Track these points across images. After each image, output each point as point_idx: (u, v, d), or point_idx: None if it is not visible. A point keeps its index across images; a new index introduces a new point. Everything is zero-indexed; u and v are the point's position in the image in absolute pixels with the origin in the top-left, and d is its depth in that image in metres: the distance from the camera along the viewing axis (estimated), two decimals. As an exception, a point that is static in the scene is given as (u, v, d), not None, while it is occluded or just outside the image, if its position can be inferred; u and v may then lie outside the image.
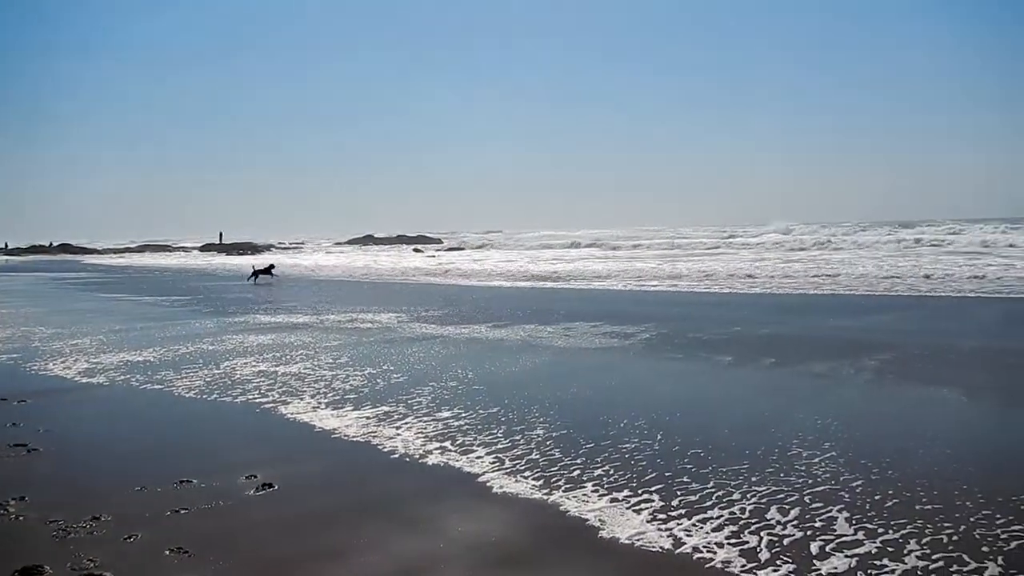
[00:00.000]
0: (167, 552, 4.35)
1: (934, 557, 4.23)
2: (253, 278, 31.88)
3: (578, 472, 5.84)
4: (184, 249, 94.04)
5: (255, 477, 5.70)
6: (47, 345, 13.19)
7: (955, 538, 4.46)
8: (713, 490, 5.40)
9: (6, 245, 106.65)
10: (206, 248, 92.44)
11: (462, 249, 64.89)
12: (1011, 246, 36.72)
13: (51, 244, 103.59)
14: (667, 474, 5.76)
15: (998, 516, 4.77)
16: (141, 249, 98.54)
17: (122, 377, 10.09)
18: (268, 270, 33.08)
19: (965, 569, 4.10)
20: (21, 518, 4.95)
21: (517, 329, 14.29)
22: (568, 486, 5.52)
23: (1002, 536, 4.47)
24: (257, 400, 8.51)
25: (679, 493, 5.34)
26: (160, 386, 9.46)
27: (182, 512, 5.02)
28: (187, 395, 8.94)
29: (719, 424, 7.25)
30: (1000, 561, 4.16)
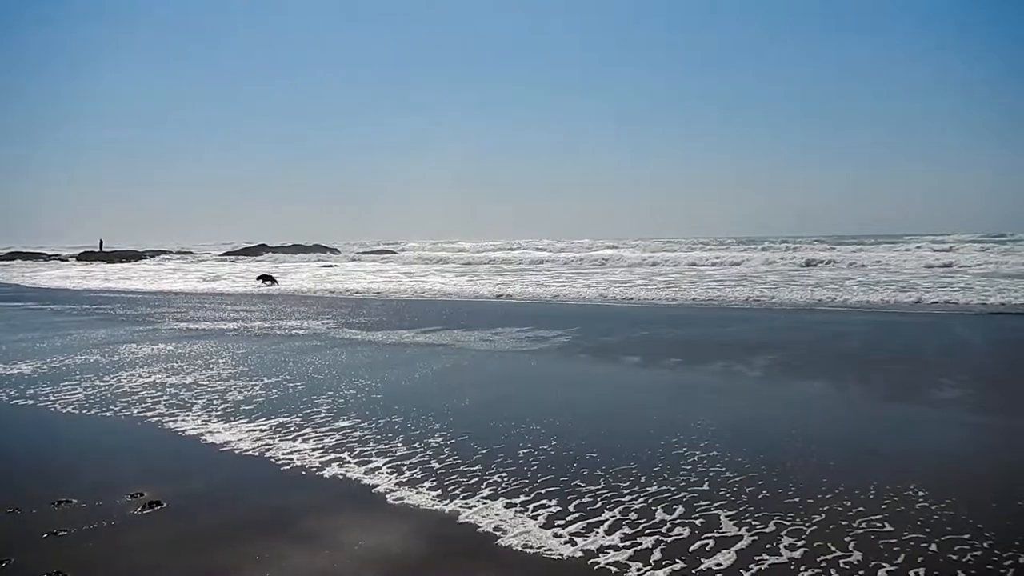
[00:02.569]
0: (44, 576, 4.11)
1: (801, 547, 4.52)
2: None
3: (476, 480, 5.88)
4: (60, 257, 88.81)
5: (142, 495, 5.45)
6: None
7: (824, 529, 4.79)
8: (606, 492, 5.56)
9: None
10: (84, 256, 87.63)
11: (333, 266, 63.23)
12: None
13: None
14: (563, 478, 5.90)
15: (859, 507, 5.18)
16: (11, 257, 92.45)
17: (-9, 392, 9.44)
18: None
19: (829, 557, 4.41)
20: None
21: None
22: (466, 494, 5.55)
23: (860, 526, 4.83)
24: (143, 414, 8.15)
25: (574, 497, 5.47)
26: (34, 401, 8.91)
27: (60, 534, 4.75)
28: (66, 410, 8.46)
29: (611, 425, 7.49)
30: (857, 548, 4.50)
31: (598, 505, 5.32)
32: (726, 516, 5.10)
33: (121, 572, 4.23)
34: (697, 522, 5.00)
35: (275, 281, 33.04)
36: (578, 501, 5.39)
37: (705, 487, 5.68)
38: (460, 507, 5.28)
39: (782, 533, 4.79)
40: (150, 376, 10.43)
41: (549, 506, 5.29)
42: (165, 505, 5.30)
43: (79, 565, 4.27)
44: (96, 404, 8.69)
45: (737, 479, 5.85)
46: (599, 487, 5.69)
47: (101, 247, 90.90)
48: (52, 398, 9.06)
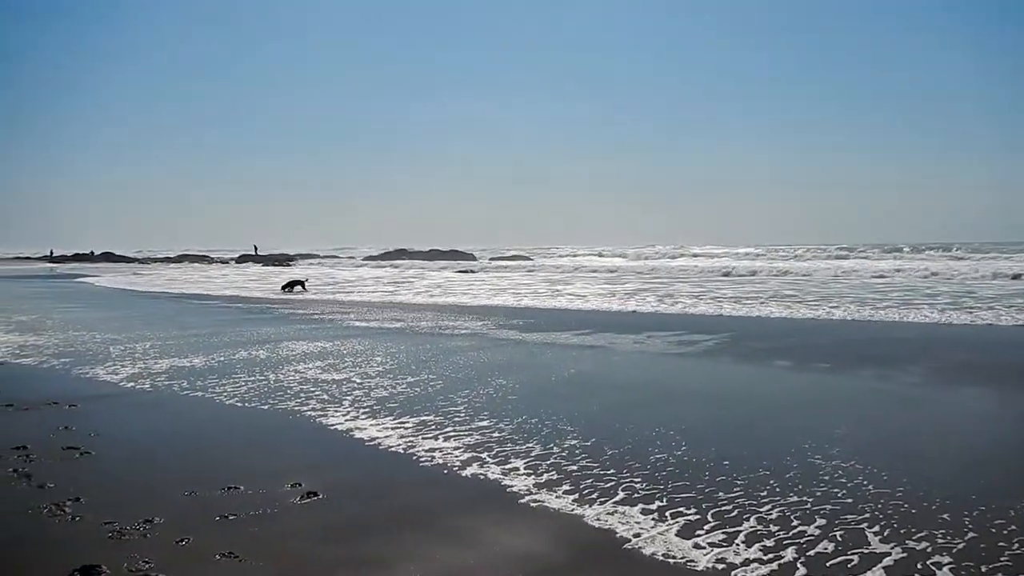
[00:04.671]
0: (217, 556, 4.50)
1: (949, 566, 4.27)
2: (288, 288, 32.80)
3: (611, 484, 5.92)
4: (222, 260, 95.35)
5: (300, 485, 5.85)
6: (96, 350, 13.57)
7: (976, 548, 4.50)
8: (743, 500, 5.49)
9: (51, 253, 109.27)
10: (242, 259, 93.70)
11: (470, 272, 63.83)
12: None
13: (93, 253, 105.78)
14: (698, 485, 5.86)
15: (1013, 527, 4.87)
16: (180, 259, 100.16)
17: (167, 383, 10.35)
18: (301, 283, 33.77)
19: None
20: (78, 519, 5.14)
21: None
22: (602, 498, 5.60)
23: (1015, 546, 4.51)
24: (298, 408, 8.69)
25: (709, 505, 5.42)
26: (203, 392, 9.70)
27: (231, 518, 5.17)
28: (229, 401, 9.17)
29: (747, 431, 7.34)
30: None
31: (735, 514, 5.24)
32: (871, 531, 4.90)
33: (284, 557, 4.56)
34: (840, 536, 4.84)
35: (304, 286, 33.34)
36: (715, 509, 5.34)
37: (848, 500, 5.49)
38: (597, 511, 5.34)
39: (932, 551, 4.56)
40: (306, 372, 11.10)
41: (686, 514, 5.27)
42: (321, 496, 5.65)
43: (247, 548, 4.64)
44: (256, 397, 9.35)
45: (881, 492, 5.62)
46: (735, 495, 5.61)
47: (256, 251, 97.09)
48: (218, 390, 9.83)
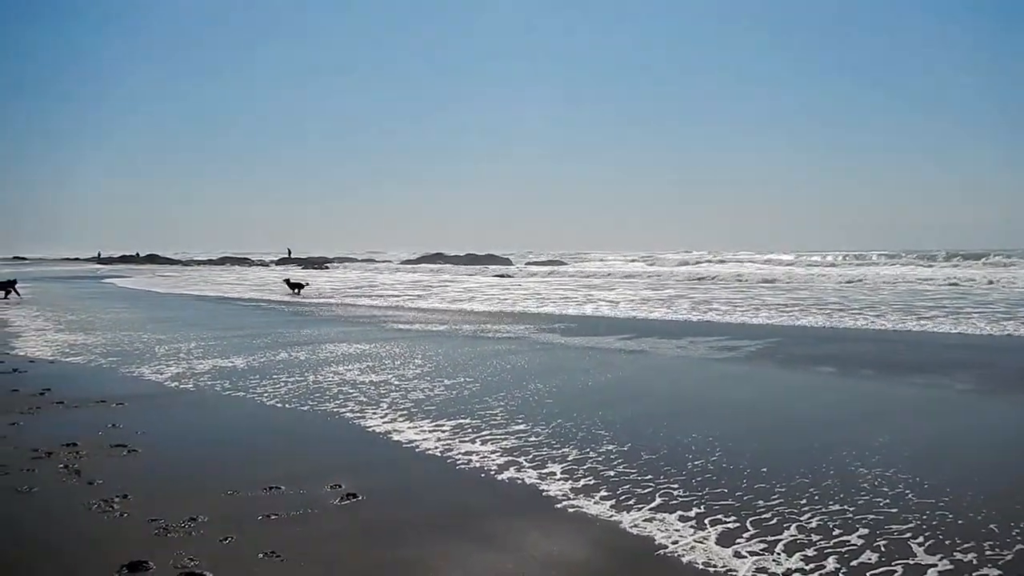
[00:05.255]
0: (260, 556, 4.58)
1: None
2: (297, 291, 33.29)
3: (648, 490, 5.90)
4: (263, 263, 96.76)
5: (340, 487, 5.92)
6: (142, 350, 13.88)
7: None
8: (782, 508, 5.44)
9: (99, 254, 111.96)
10: (281, 262, 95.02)
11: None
12: None
13: (138, 255, 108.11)
14: (736, 492, 5.81)
15: None
16: (222, 261, 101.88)
17: (210, 383, 10.55)
18: (301, 285, 34.24)
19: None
20: (125, 515, 5.26)
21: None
22: (639, 505, 5.58)
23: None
24: (337, 410, 8.80)
25: (748, 513, 5.37)
26: (244, 393, 9.86)
27: (272, 517, 5.26)
28: (270, 402, 9.31)
29: (786, 437, 7.26)
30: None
31: (774, 522, 5.19)
32: (915, 542, 4.82)
33: (324, 558, 4.62)
34: (883, 546, 4.76)
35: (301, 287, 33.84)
36: (754, 517, 5.29)
37: (891, 509, 5.40)
38: (635, 518, 5.32)
39: (980, 563, 4.47)
40: (345, 374, 11.23)
41: (725, 521, 5.23)
42: (361, 497, 5.71)
43: (289, 548, 4.71)
44: (296, 399, 9.48)
45: (926, 502, 5.51)
46: (774, 503, 5.56)
47: (290, 254, 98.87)
48: (259, 391, 10.00)
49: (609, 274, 52.34)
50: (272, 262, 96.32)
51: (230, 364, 12.29)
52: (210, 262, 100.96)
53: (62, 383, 10.43)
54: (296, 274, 48.89)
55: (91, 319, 20.94)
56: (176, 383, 10.67)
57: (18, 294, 29.70)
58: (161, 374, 11.38)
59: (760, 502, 5.59)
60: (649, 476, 6.25)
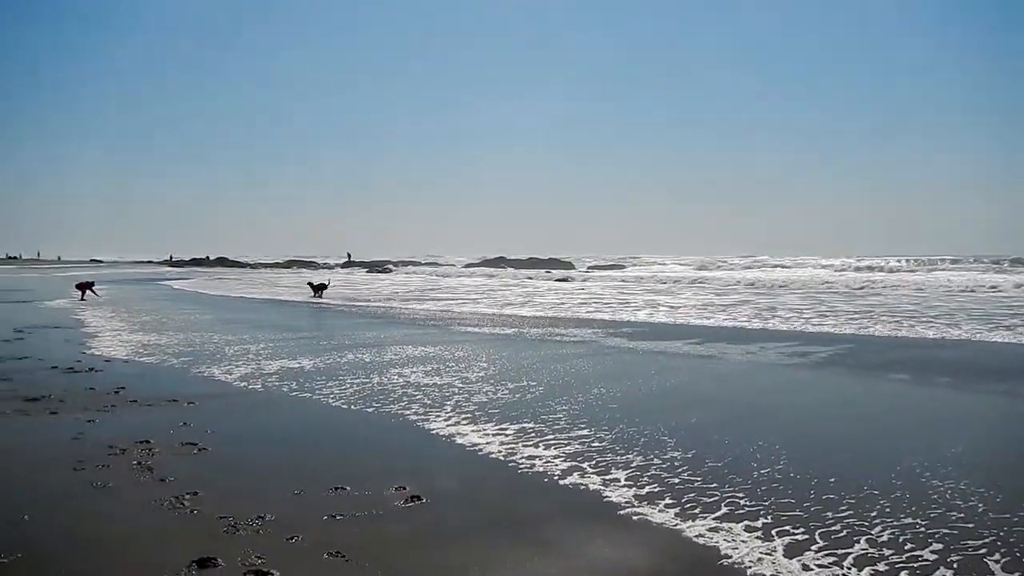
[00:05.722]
0: (325, 555, 4.63)
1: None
2: (318, 293, 33.71)
3: (714, 499, 5.77)
4: (328, 266, 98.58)
5: (404, 489, 5.95)
6: (212, 351, 14.27)
7: None
8: (851, 521, 5.26)
9: (171, 257, 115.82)
10: (347, 265, 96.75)
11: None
12: None
13: (208, 258, 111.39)
14: (805, 503, 5.65)
15: None
16: (288, 264, 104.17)
17: (277, 384, 10.76)
18: (324, 287, 34.62)
19: None
20: (195, 512, 5.39)
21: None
22: (705, 513, 5.46)
23: None
24: (402, 412, 8.87)
25: (817, 525, 5.21)
26: (311, 394, 10.03)
27: (338, 518, 5.32)
28: (336, 404, 9.44)
29: (856, 447, 7.04)
30: None
31: (844, 534, 5.03)
32: (992, 559, 4.60)
33: (388, 559, 4.64)
34: (958, 563, 4.56)
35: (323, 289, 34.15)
36: (822, 529, 5.12)
37: (967, 524, 5.17)
38: (700, 527, 5.21)
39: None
40: (409, 376, 11.33)
41: (793, 533, 5.08)
42: (424, 500, 5.73)
43: (353, 548, 4.75)
44: (361, 400, 9.60)
45: (1003, 518, 5.26)
46: (843, 515, 5.38)
47: (350, 258, 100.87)
48: (325, 392, 10.15)
49: (676, 280, 51.65)
50: (337, 266, 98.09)
51: (297, 365, 12.53)
52: (276, 265, 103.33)
53: (136, 382, 10.77)
54: (321, 277, 49.04)
55: (163, 320, 21.62)
56: (244, 383, 10.92)
57: (96, 294, 30.87)
58: (230, 374, 11.66)
59: (828, 513, 5.43)
60: (714, 484, 6.13)
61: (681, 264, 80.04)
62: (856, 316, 21.96)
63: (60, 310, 25.15)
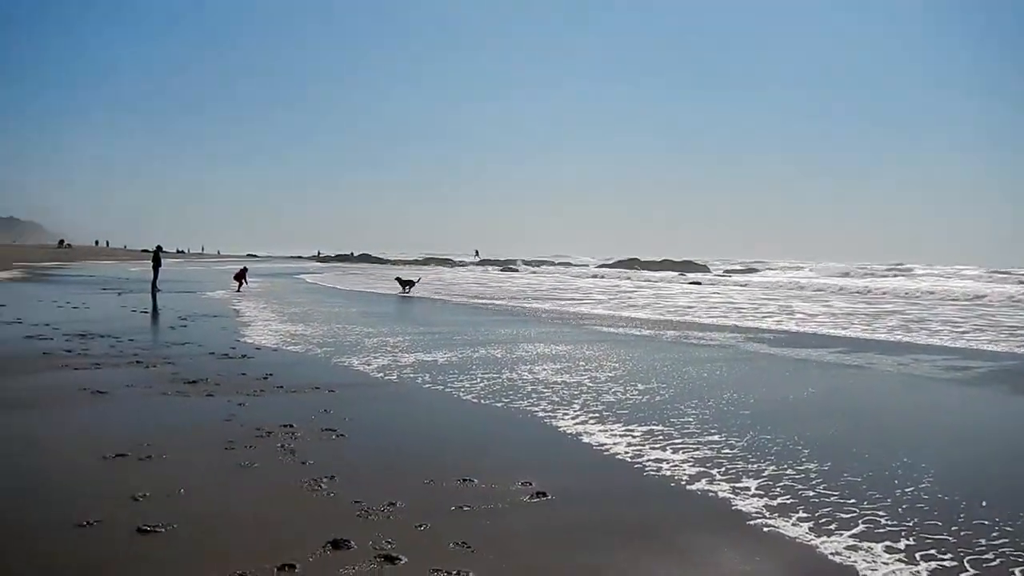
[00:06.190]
0: (452, 545, 4.74)
1: None
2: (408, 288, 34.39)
3: (851, 515, 5.49)
4: (462, 264, 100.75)
5: (530, 484, 6.00)
6: (352, 342, 14.92)
7: None
8: (1007, 550, 4.87)
9: (319, 253, 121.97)
10: (482, 263, 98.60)
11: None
12: None
13: (352, 254, 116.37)
14: (952, 527, 5.27)
15: None
16: (426, 261, 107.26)
17: (412, 376, 11.11)
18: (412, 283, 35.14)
19: None
20: (332, 495, 5.65)
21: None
22: (840, 530, 5.20)
23: None
24: (529, 408, 8.95)
25: (965, 551, 4.85)
26: (443, 387, 10.29)
27: (465, 509, 5.43)
28: (467, 397, 9.64)
29: (1011, 470, 6.50)
30: None
31: (997, 563, 4.67)
32: None
33: (512, 554, 4.69)
34: None
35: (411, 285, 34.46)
36: (972, 556, 4.77)
37: None
38: (836, 544, 4.96)
39: None
40: (538, 373, 11.42)
41: (940, 558, 4.75)
42: (550, 497, 5.76)
43: (479, 540, 4.83)
44: (490, 395, 9.76)
45: None
46: (996, 542, 4.99)
47: (477, 255, 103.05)
48: (456, 385, 10.39)
49: (817, 288, 49.41)
50: (472, 263, 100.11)
51: (431, 359, 12.89)
52: (415, 262, 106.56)
53: (282, 369, 11.40)
54: (410, 273, 49.22)
55: (309, 311, 22.76)
56: (381, 374, 11.34)
57: (246, 282, 32.90)
58: (368, 365, 12.14)
59: (981, 540, 5.04)
60: (852, 500, 5.82)
61: (815, 270, 76.52)
62: (1021, 331, 20.27)
63: (218, 300, 26.95)
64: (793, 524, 5.31)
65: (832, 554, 4.81)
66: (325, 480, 5.97)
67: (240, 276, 32.76)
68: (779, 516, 5.47)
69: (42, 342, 13.42)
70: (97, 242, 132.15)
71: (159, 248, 33.69)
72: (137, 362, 11.60)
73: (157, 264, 31.68)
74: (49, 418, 8.04)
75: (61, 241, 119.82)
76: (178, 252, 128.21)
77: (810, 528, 5.24)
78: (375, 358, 12.88)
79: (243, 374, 10.86)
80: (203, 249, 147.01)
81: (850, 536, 5.10)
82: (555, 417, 8.53)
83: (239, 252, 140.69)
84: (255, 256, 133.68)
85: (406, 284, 35.13)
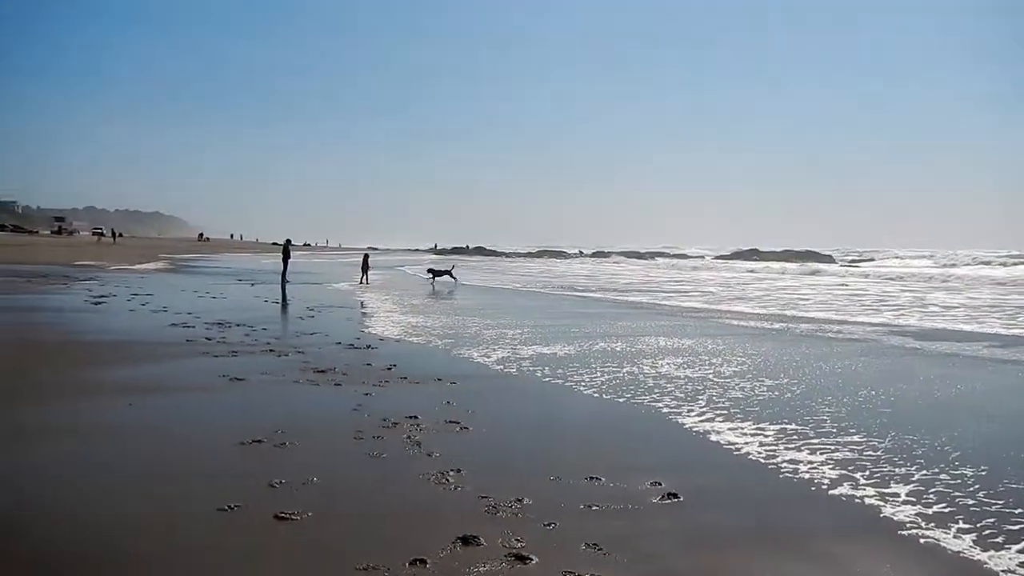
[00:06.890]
0: (583, 546, 4.58)
1: None
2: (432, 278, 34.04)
3: (1019, 526, 5.00)
4: (578, 255, 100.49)
5: (659, 485, 5.79)
6: (472, 334, 15.03)
7: None
8: None
9: (435, 246, 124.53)
10: (596, 255, 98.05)
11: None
12: None
13: (468, 247, 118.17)
14: None
15: None
16: (539, 254, 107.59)
17: (532, 369, 11.04)
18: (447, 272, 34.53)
19: None
20: (459, 489, 5.62)
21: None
22: (1009, 544, 4.74)
23: None
24: (653, 403, 8.71)
25: None
26: (563, 381, 10.16)
27: (594, 508, 5.27)
28: (588, 392, 9.48)
29: None
30: None
31: None
32: None
33: (648, 557, 4.49)
34: None
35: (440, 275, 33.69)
36: None
37: None
38: (1007, 561, 4.50)
39: None
40: (660, 368, 11.13)
41: None
42: (682, 498, 5.53)
43: (609, 541, 4.65)
44: (612, 390, 9.56)
45: None
46: None
47: (581, 253, 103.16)
48: (576, 379, 10.24)
49: (959, 276, 46.37)
50: (589, 255, 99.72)
51: (550, 351, 12.79)
52: (529, 254, 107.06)
53: (405, 360, 11.57)
54: (443, 264, 48.03)
55: (428, 303, 23.15)
56: (501, 366, 11.33)
57: (369, 267, 33.93)
58: (488, 357, 12.16)
59: None
60: (1019, 509, 5.32)
61: (940, 259, 71.85)
62: None
63: (343, 292, 27.82)
64: (954, 536, 4.88)
65: (1004, 572, 4.37)
66: (452, 473, 5.94)
67: (364, 266, 33.57)
68: (935, 526, 5.05)
69: (185, 330, 14.18)
70: (232, 235, 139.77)
71: (288, 242, 35.18)
72: (270, 350, 12.05)
73: (287, 256, 33.10)
74: (193, 403, 8.46)
75: (200, 235, 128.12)
76: (305, 245, 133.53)
77: (974, 541, 4.80)
78: (494, 350, 12.90)
79: (368, 364, 11.08)
80: (327, 242, 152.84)
81: (1018, 551, 4.64)
82: (680, 414, 8.25)
83: (359, 244, 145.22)
84: (374, 248, 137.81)
85: (439, 274, 34.65)
